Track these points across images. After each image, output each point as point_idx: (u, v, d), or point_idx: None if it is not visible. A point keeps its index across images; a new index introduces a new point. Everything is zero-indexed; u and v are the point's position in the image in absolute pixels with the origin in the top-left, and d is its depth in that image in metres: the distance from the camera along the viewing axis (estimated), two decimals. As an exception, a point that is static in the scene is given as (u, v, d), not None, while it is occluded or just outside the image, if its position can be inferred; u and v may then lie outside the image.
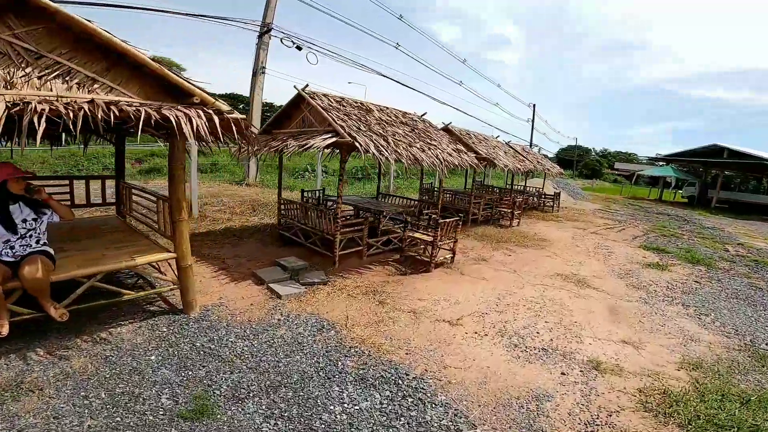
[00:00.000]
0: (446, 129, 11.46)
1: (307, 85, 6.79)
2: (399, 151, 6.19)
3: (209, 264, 6.52)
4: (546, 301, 6.10)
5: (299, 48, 13.85)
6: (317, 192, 10.00)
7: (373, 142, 5.87)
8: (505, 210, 12.22)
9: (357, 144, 5.58)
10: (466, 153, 9.06)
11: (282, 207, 8.03)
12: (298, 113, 7.19)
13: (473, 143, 11.42)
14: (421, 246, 7.39)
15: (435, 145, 7.70)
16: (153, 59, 3.70)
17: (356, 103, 7.39)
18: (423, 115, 9.77)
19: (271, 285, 5.76)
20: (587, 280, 7.35)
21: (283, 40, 13.55)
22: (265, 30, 13.63)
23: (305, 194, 9.63)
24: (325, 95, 6.96)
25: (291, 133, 7.10)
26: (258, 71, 13.86)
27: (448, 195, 12.61)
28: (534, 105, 36.83)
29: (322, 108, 6.29)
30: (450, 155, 7.89)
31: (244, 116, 4.31)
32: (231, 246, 7.58)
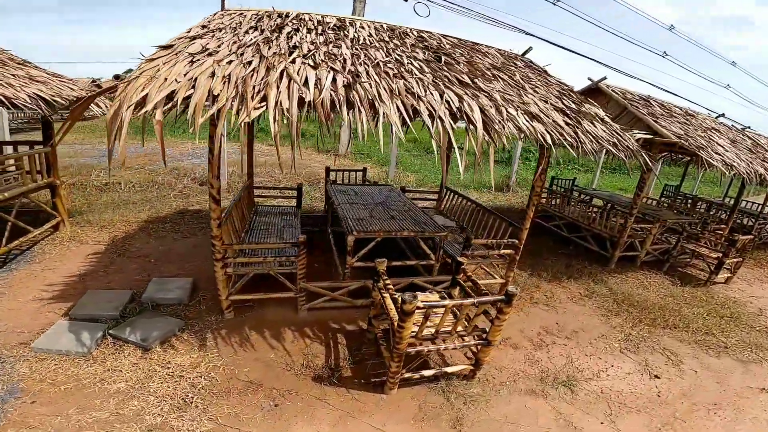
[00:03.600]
0: (594, 89, 6.08)
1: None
2: (287, 92, 2.29)
3: (91, 262, 4.36)
4: None
5: (404, -2, 10.20)
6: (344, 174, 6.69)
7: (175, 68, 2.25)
8: (706, 252, 5.92)
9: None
10: (602, 123, 3.98)
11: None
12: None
13: (651, 115, 5.67)
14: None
15: (490, 94, 3.16)
16: None
17: (303, 18, 3.59)
18: (525, 53, 5.01)
19: (58, 323, 3.10)
20: None
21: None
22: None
23: (331, 174, 6.50)
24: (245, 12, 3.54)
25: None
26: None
27: (599, 204, 7.10)
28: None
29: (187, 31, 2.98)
30: (533, 118, 3.18)
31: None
32: (173, 238, 5.27)
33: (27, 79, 4.22)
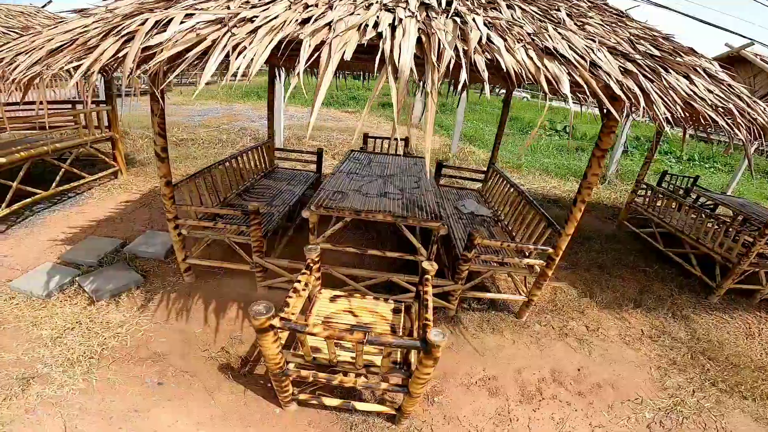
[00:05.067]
0: (733, 58, 4.18)
1: None
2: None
3: (118, 209, 4.73)
4: None
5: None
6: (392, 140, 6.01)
7: None
8: None
9: None
10: (709, 81, 2.51)
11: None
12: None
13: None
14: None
15: (462, 15, 2.06)
16: None
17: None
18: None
19: (43, 265, 3.34)
20: None
21: None
22: None
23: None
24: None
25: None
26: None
27: (727, 214, 5.07)
28: None
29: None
30: (548, 55, 1.96)
31: None
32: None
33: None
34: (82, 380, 2.29)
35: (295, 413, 2.25)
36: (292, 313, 2.20)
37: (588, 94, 1.96)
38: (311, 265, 2.41)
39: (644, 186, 5.77)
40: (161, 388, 2.32)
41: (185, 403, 2.24)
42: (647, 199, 5.63)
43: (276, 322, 1.68)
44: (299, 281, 2.20)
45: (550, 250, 3.11)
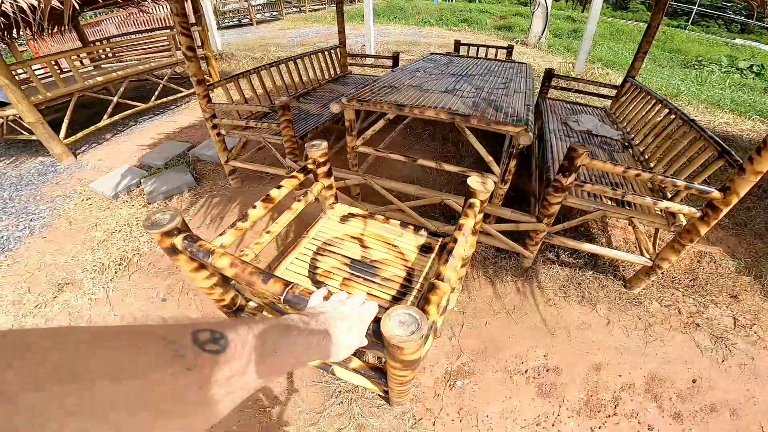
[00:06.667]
0: None
1: None
2: None
3: (202, 117, 4.71)
4: None
5: None
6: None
7: None
8: None
9: None
10: None
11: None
12: None
13: None
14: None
15: None
16: None
17: None
18: None
19: (120, 167, 3.44)
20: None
21: None
22: None
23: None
24: None
25: None
26: None
27: None
28: None
29: None
30: None
31: None
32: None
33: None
34: (102, 289, 2.22)
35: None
36: (268, 231, 1.59)
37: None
38: (310, 167, 1.70)
39: None
40: (163, 305, 2.12)
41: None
42: None
43: (178, 241, 1.08)
44: (281, 186, 1.53)
45: (716, 194, 1.77)
